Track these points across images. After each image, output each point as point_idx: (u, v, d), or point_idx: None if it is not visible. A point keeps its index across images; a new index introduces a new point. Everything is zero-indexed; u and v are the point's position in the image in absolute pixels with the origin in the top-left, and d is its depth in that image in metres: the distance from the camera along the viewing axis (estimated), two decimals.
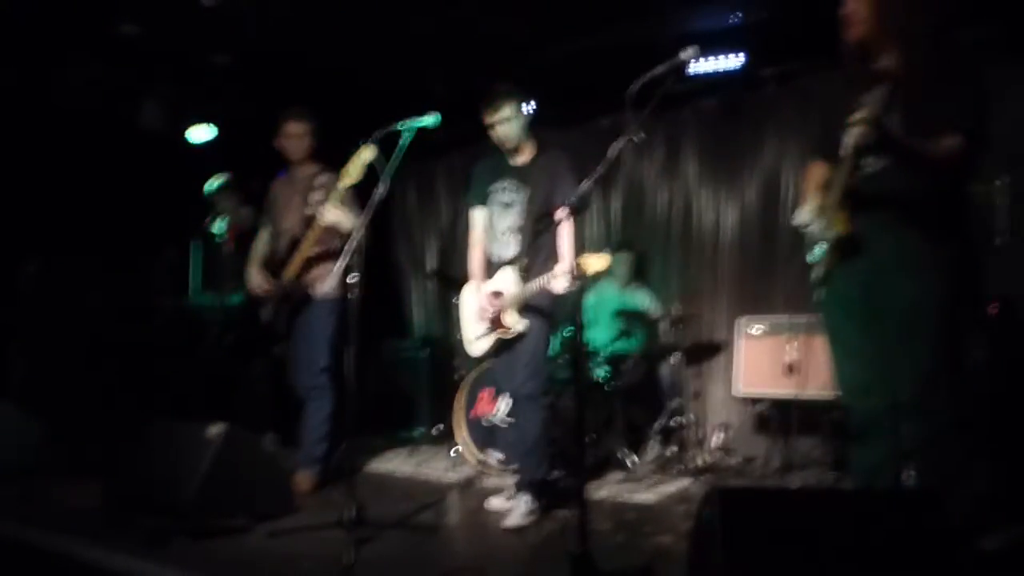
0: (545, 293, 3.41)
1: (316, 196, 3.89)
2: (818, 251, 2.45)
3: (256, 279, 4.14)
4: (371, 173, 3.37)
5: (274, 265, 4.12)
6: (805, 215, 2.50)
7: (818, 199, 2.48)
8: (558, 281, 3.20)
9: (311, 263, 4.02)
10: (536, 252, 3.48)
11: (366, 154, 3.30)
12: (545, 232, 3.51)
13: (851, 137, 2.22)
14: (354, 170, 3.39)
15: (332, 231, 3.90)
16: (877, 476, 2.36)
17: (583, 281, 2.78)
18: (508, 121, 3.50)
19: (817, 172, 2.59)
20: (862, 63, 2.41)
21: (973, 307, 2.37)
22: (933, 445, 2.26)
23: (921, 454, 2.26)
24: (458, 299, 3.86)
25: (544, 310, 3.50)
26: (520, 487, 3.51)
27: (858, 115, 2.19)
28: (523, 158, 3.61)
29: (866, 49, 2.40)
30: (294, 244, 3.99)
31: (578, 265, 2.76)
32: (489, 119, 3.53)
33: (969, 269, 2.35)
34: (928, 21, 2.33)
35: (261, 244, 4.32)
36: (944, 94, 2.25)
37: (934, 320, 2.27)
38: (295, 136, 4.14)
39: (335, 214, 3.75)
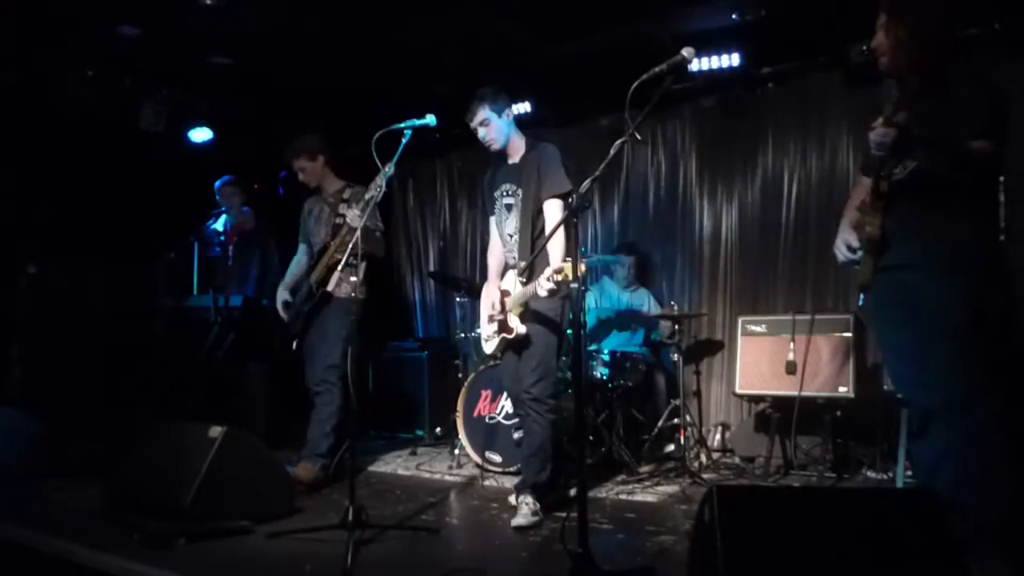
0: (552, 297, 3.35)
1: (344, 208, 4.12)
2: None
3: (280, 293, 4.43)
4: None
5: (306, 272, 4.38)
6: (844, 249, 2.59)
7: (853, 216, 2.60)
8: (542, 286, 3.09)
9: (335, 267, 4.10)
10: (539, 253, 3.47)
11: (387, 170, 3.40)
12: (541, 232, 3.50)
13: (873, 136, 2.34)
14: (381, 183, 3.50)
15: (361, 236, 3.99)
16: (937, 471, 2.34)
17: (564, 287, 2.78)
18: (486, 125, 3.55)
19: (862, 191, 2.67)
20: (895, 83, 2.52)
21: (1003, 303, 2.39)
22: (971, 443, 2.26)
23: (959, 452, 2.27)
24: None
25: (550, 314, 3.46)
26: (521, 489, 3.50)
27: (878, 120, 2.33)
28: (516, 158, 3.64)
29: (896, 74, 2.51)
30: (323, 250, 4.23)
31: (559, 271, 2.77)
32: (470, 125, 3.59)
33: (998, 266, 2.40)
34: (938, 38, 2.46)
35: (296, 261, 4.56)
36: (966, 105, 2.35)
37: (968, 318, 2.31)
38: (306, 170, 4.38)
39: (361, 218, 3.83)
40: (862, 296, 2.62)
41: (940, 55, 2.45)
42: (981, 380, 2.29)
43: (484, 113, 3.53)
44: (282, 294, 4.42)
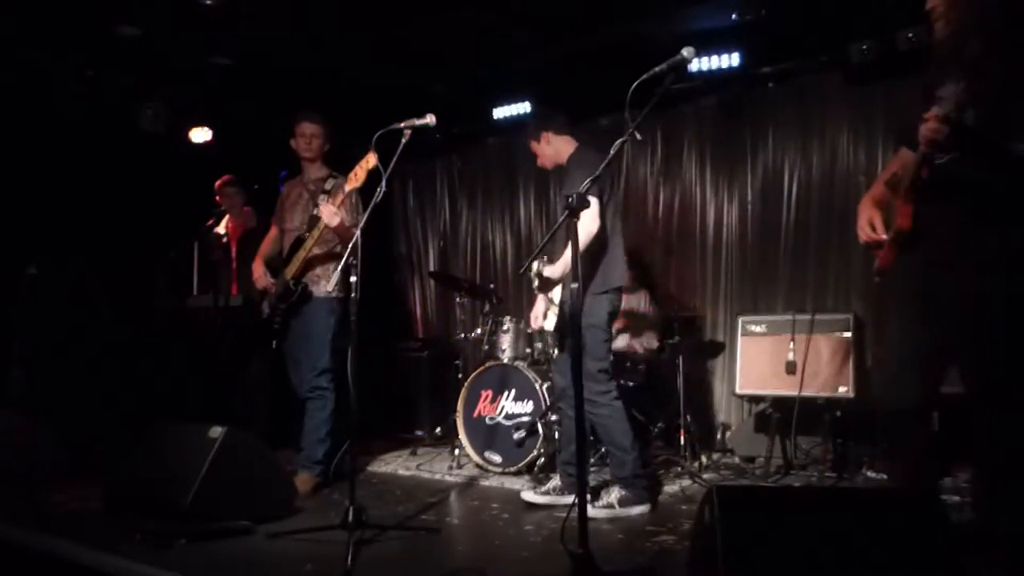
0: (568, 295, 3.49)
1: (323, 199, 3.96)
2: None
3: (257, 273, 4.20)
4: (374, 176, 3.40)
5: (279, 263, 4.18)
6: (868, 229, 2.44)
7: (880, 191, 2.46)
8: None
9: (313, 263, 4.07)
10: (551, 253, 3.58)
11: (371, 160, 3.34)
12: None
13: (924, 131, 2.18)
14: (360, 175, 3.46)
15: (335, 232, 3.91)
16: (917, 475, 2.29)
17: (541, 282, 3.04)
18: (535, 151, 3.79)
19: (902, 159, 2.52)
20: (947, 56, 2.35)
21: None
22: (994, 445, 2.20)
23: (982, 454, 2.22)
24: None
25: (566, 309, 3.56)
26: (609, 483, 3.62)
27: (933, 111, 2.16)
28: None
29: (949, 43, 2.35)
30: (298, 243, 4.06)
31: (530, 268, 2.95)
32: None
33: None
34: (1006, 17, 2.30)
35: (269, 242, 4.38)
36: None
37: (1000, 317, 2.21)
38: (308, 135, 4.20)
39: (336, 216, 3.77)
40: (877, 279, 2.48)
41: (1005, 16, 2.26)
42: (1010, 382, 2.21)
43: (531, 142, 3.78)
44: (259, 271, 4.18)
